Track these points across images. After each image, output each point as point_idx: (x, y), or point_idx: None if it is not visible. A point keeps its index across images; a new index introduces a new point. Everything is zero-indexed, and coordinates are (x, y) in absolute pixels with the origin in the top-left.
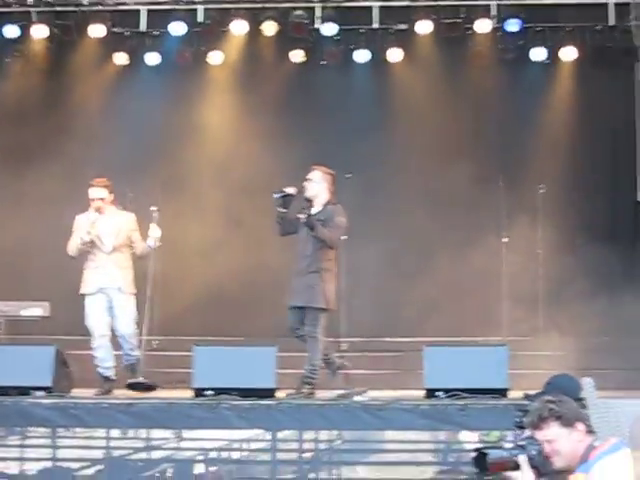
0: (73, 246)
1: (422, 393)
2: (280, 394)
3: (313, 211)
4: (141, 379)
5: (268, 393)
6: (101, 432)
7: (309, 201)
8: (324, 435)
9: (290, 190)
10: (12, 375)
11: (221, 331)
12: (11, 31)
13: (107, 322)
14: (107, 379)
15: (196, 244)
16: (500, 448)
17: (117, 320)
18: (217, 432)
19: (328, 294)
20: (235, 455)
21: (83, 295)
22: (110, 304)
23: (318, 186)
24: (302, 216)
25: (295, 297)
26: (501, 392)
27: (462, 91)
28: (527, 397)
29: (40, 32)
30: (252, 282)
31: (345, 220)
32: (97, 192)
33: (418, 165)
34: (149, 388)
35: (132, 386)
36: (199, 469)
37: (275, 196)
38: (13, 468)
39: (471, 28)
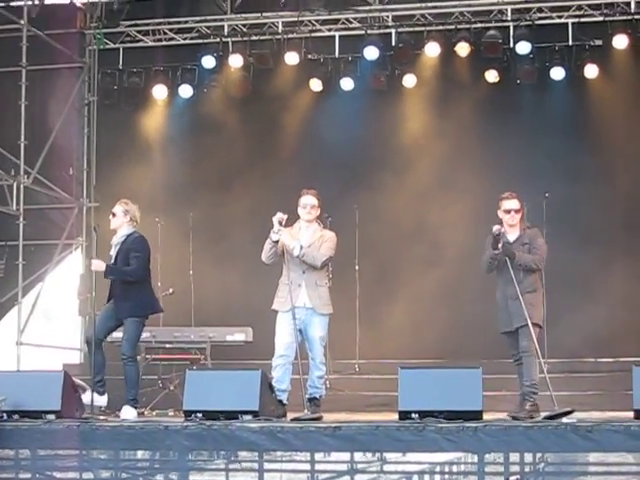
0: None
1: (631, 414)
2: (487, 416)
3: (511, 238)
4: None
5: (475, 415)
6: (305, 455)
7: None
8: (529, 457)
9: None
10: (220, 399)
11: (420, 353)
12: (208, 62)
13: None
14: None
15: (392, 263)
16: None
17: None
18: (421, 455)
19: (542, 312)
20: (439, 478)
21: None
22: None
23: (519, 214)
24: (499, 245)
25: (512, 319)
26: None
27: None
28: None
29: (236, 61)
30: (455, 305)
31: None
32: (311, 200)
33: (618, 182)
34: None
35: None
36: None
37: (494, 236)
38: None
39: None
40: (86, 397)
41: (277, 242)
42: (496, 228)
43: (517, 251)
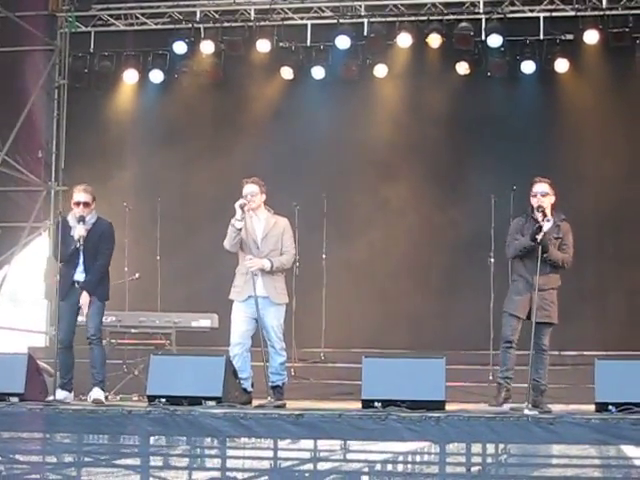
0: (227, 237)
1: (593, 407)
2: (450, 407)
3: (546, 226)
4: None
5: (437, 405)
6: (268, 442)
7: (543, 215)
8: (491, 448)
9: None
10: (184, 385)
11: (387, 343)
12: (180, 47)
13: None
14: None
15: (360, 255)
16: None
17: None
18: (383, 444)
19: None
20: (401, 467)
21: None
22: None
23: (550, 200)
24: (539, 237)
25: (532, 311)
26: None
27: (631, 101)
28: None
29: (208, 48)
30: (417, 293)
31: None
32: (251, 188)
33: (586, 176)
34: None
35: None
36: None
37: (537, 227)
38: (181, 477)
39: None
40: (59, 394)
41: (240, 230)
42: (540, 218)
43: (550, 243)
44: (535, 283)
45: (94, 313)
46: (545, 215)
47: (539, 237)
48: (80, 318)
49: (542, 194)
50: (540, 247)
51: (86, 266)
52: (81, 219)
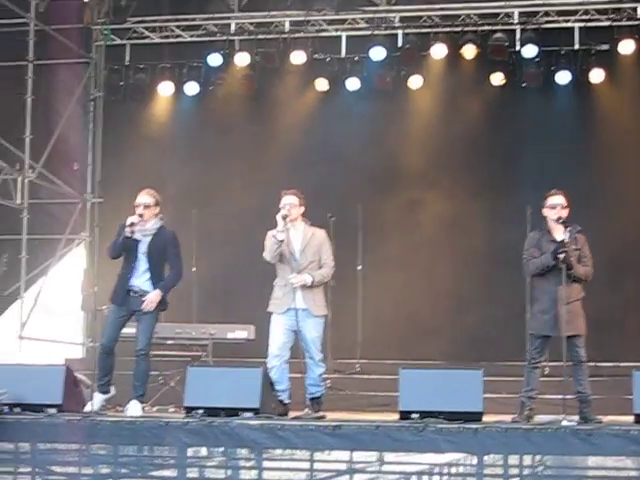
0: (267, 249)
1: (631, 418)
2: (486, 418)
3: (558, 238)
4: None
5: (475, 417)
6: (305, 454)
7: (564, 227)
8: (528, 460)
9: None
10: (221, 396)
11: (422, 354)
12: (215, 60)
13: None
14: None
15: (395, 266)
16: None
17: None
18: (419, 456)
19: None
20: (437, 479)
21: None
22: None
23: (566, 212)
24: (561, 256)
25: (561, 326)
26: None
27: None
28: None
29: (243, 60)
30: (452, 304)
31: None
32: (290, 199)
33: (621, 188)
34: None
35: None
36: None
37: (558, 248)
38: None
39: None
40: (96, 398)
41: (282, 241)
42: (561, 237)
43: (571, 255)
44: (560, 297)
45: (147, 326)
46: (567, 226)
47: (561, 256)
48: (128, 330)
49: (562, 206)
50: (565, 265)
51: (151, 273)
52: (140, 216)
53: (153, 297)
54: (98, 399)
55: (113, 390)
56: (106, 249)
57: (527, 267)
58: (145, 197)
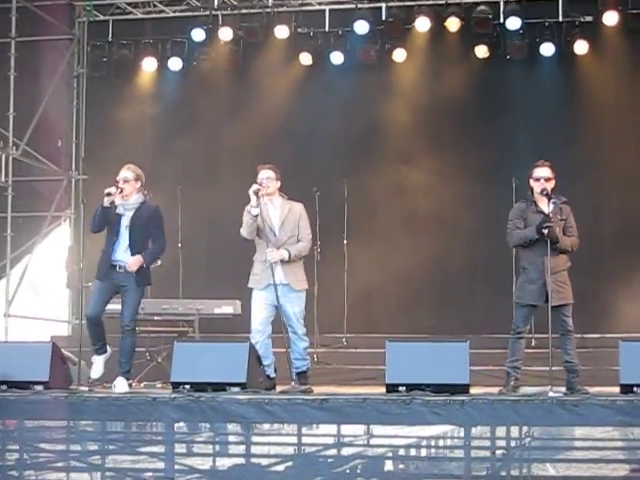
0: (243, 225)
1: (617, 389)
2: (473, 390)
3: (544, 209)
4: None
5: (462, 389)
6: (293, 428)
7: (548, 198)
8: (515, 431)
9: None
10: (208, 372)
11: (409, 328)
12: (198, 35)
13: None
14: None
15: (381, 240)
16: None
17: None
18: (407, 429)
19: None
20: (425, 452)
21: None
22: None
23: (551, 184)
24: (545, 232)
25: (547, 295)
26: None
27: None
28: None
29: (226, 35)
30: (438, 277)
31: None
32: (267, 173)
33: (605, 158)
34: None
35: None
36: (389, 466)
37: (544, 221)
38: (205, 463)
39: None
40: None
41: (256, 216)
42: (546, 210)
43: (555, 224)
44: (547, 267)
45: (132, 301)
46: (550, 198)
47: (545, 232)
48: (113, 306)
49: (546, 178)
50: (549, 240)
51: (132, 247)
52: (120, 190)
53: (134, 260)
54: (99, 360)
55: (109, 350)
56: (88, 223)
57: (510, 237)
58: (125, 172)
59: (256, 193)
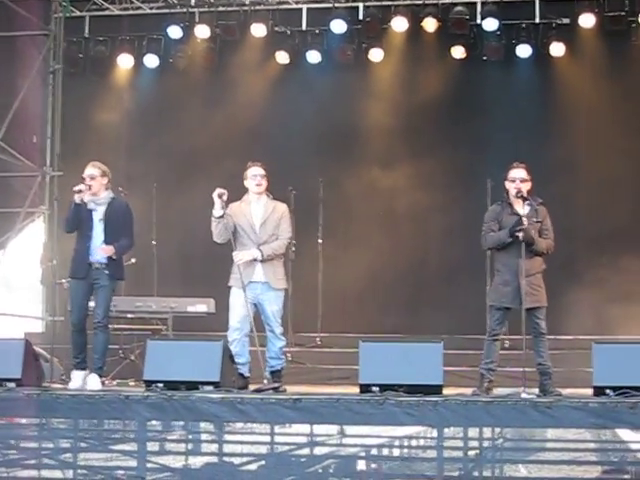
0: (212, 231)
1: (590, 391)
2: (446, 391)
3: (520, 211)
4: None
5: (435, 390)
6: (265, 427)
7: (523, 200)
8: (488, 432)
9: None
10: (181, 370)
11: (383, 328)
12: (175, 32)
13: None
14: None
15: (356, 240)
16: None
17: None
18: (380, 429)
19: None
20: (398, 452)
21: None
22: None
23: (527, 185)
24: (520, 235)
25: (522, 298)
26: None
27: (627, 85)
28: None
29: (203, 32)
30: (413, 278)
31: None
32: (260, 170)
33: (581, 159)
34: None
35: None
36: (362, 466)
37: (517, 224)
38: (178, 462)
39: (636, 21)
40: (75, 376)
41: (222, 217)
42: (522, 213)
43: (531, 225)
44: (521, 269)
45: (104, 297)
46: (525, 200)
47: (520, 235)
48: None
49: (521, 180)
50: (524, 243)
51: (107, 240)
52: (88, 187)
53: (107, 247)
54: (78, 376)
55: (88, 370)
56: (62, 224)
57: (484, 240)
58: (90, 169)
59: (220, 197)
